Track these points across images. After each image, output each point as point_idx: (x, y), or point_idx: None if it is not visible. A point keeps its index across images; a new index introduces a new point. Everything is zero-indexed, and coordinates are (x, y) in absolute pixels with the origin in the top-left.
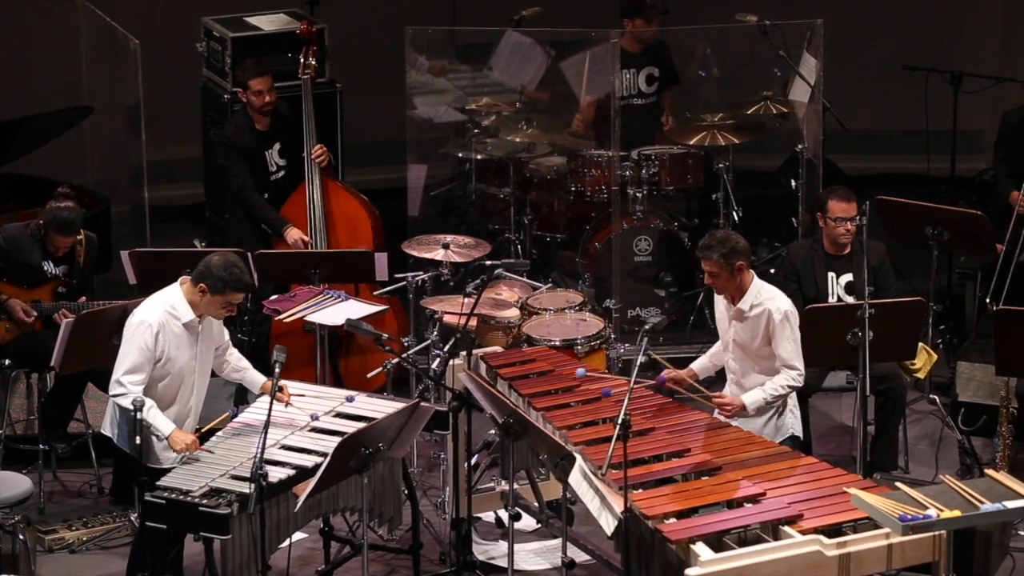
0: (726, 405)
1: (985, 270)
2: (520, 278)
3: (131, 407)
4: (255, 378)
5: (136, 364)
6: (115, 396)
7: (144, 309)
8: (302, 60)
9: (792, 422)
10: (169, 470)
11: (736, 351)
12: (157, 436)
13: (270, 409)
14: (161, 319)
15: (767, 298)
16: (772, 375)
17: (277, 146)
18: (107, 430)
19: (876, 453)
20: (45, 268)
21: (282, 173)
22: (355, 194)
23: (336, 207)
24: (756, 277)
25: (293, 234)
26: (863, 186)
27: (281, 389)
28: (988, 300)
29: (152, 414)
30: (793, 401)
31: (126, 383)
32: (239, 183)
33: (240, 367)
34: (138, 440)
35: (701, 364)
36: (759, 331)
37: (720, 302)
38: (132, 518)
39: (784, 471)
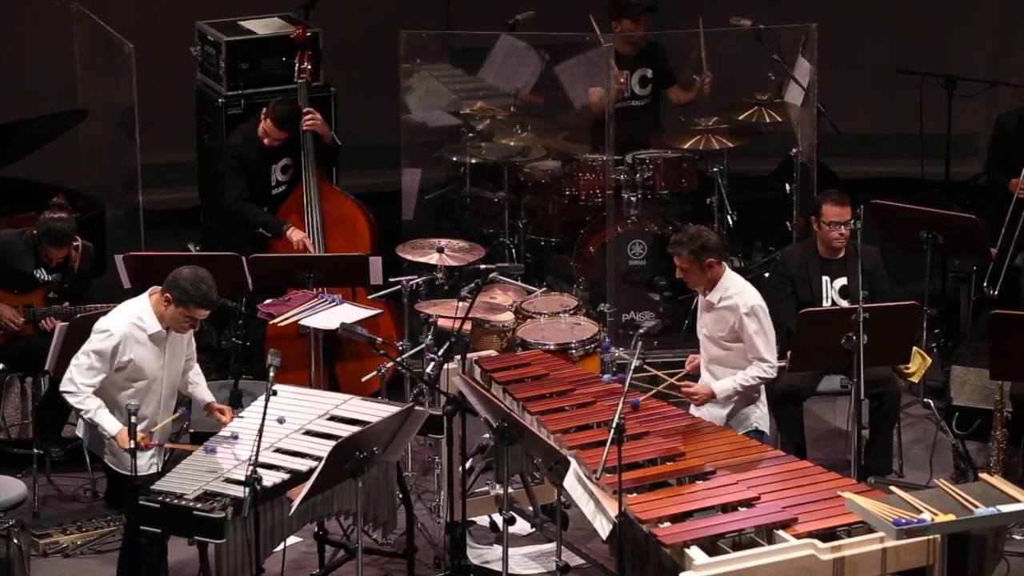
0: (693, 394)
1: (980, 270)
2: (514, 282)
3: (81, 407)
4: (203, 395)
5: (90, 367)
6: (65, 392)
7: (110, 318)
8: (297, 64)
9: (758, 416)
10: (150, 476)
11: (706, 343)
12: (102, 436)
13: (264, 412)
14: (125, 330)
15: (736, 292)
16: (738, 369)
17: (283, 162)
18: (80, 432)
19: (870, 457)
20: (37, 276)
21: (283, 188)
22: (351, 198)
23: (333, 210)
24: (728, 270)
25: (296, 235)
26: (857, 190)
27: (223, 412)
28: (986, 284)
29: (100, 414)
30: (761, 396)
31: (78, 383)
32: (236, 194)
33: (194, 381)
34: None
35: None
36: (727, 324)
37: (697, 294)
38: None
39: (778, 475)
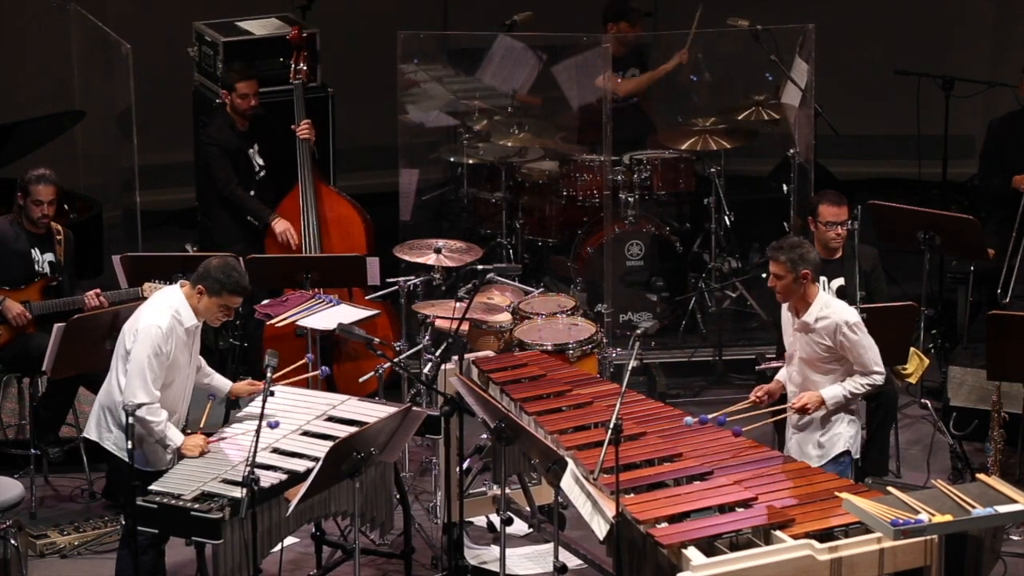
0: (804, 406)
1: (979, 272)
2: (512, 282)
3: (152, 419)
4: (222, 383)
5: (152, 374)
6: (139, 407)
7: (152, 314)
8: (293, 64)
9: (848, 437)
10: (165, 471)
11: (800, 365)
12: (168, 447)
13: (262, 413)
14: (170, 324)
15: (832, 311)
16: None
17: (256, 147)
18: (93, 434)
19: (868, 458)
20: (33, 256)
21: (263, 173)
22: (347, 198)
23: (329, 211)
24: (821, 291)
25: (280, 224)
26: (855, 191)
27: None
28: (999, 291)
29: (167, 425)
30: (855, 416)
31: (152, 392)
32: (224, 177)
33: (207, 372)
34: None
35: (784, 375)
36: (826, 344)
37: (784, 314)
38: (124, 522)
39: (776, 475)
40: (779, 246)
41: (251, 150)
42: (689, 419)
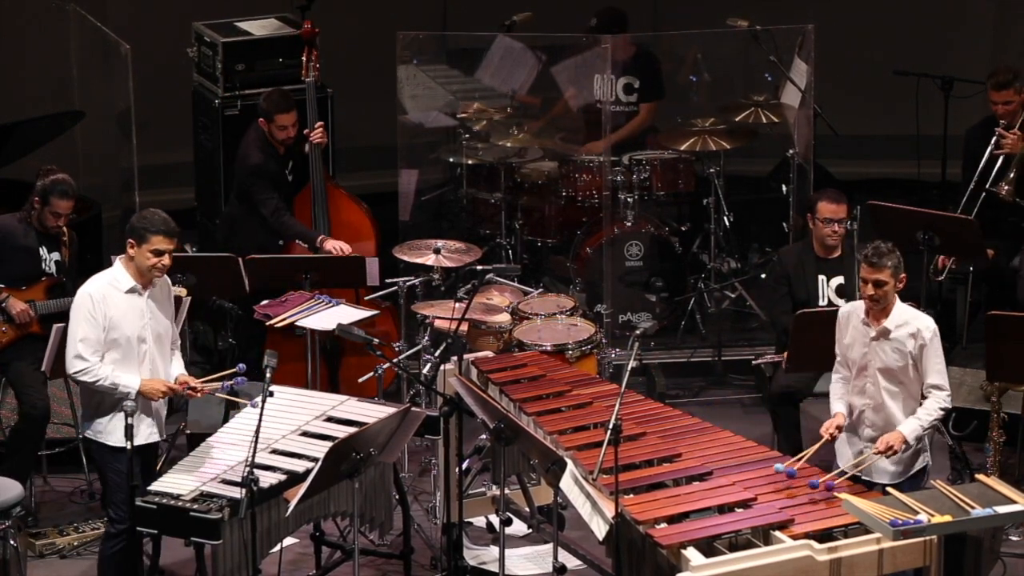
0: (889, 448)
1: (977, 274)
2: (511, 283)
3: (97, 378)
4: (174, 369)
5: (86, 334)
6: (77, 372)
7: (85, 285)
8: (305, 60)
9: (926, 454)
10: (150, 446)
11: (874, 375)
12: (128, 394)
13: (261, 413)
14: (101, 290)
15: (913, 316)
16: (910, 399)
17: (290, 163)
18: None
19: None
20: (41, 254)
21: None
22: (357, 202)
23: (338, 214)
24: (898, 299)
25: (328, 243)
26: (854, 191)
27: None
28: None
29: (116, 375)
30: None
31: (84, 354)
32: (272, 207)
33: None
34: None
35: (843, 407)
36: (906, 351)
37: (850, 327)
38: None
39: (775, 476)
40: (881, 252)
41: (286, 170)
42: (779, 466)
